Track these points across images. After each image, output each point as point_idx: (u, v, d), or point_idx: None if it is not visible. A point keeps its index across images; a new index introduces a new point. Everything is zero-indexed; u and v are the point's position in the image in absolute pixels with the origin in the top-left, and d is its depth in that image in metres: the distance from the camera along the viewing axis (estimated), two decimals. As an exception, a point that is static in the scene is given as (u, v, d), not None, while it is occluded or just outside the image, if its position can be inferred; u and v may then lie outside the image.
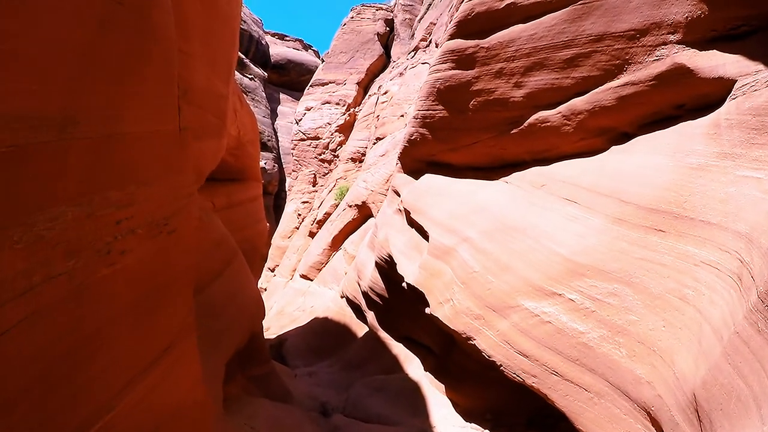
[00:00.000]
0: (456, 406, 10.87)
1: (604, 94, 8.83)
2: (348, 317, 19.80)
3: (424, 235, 11.85)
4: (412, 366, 13.50)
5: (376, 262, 15.37)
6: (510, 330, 7.73)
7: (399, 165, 15.41)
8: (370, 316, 16.81)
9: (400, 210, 14.09)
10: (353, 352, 16.93)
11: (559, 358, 7.05)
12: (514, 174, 10.68)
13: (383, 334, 15.70)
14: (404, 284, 11.90)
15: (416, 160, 14.39)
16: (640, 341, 6.11)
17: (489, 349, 8.06)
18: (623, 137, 8.81)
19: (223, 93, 10.17)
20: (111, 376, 3.12)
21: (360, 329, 18.52)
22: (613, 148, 8.83)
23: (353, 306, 19.55)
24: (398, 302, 14.36)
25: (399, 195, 14.69)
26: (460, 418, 10.40)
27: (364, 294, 17.06)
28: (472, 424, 10.02)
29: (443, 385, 11.43)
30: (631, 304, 6.46)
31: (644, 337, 6.09)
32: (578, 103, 9.27)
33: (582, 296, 7.07)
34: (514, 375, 7.64)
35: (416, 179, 14.07)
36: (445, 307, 9.29)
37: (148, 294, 3.54)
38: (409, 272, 11.52)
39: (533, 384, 7.36)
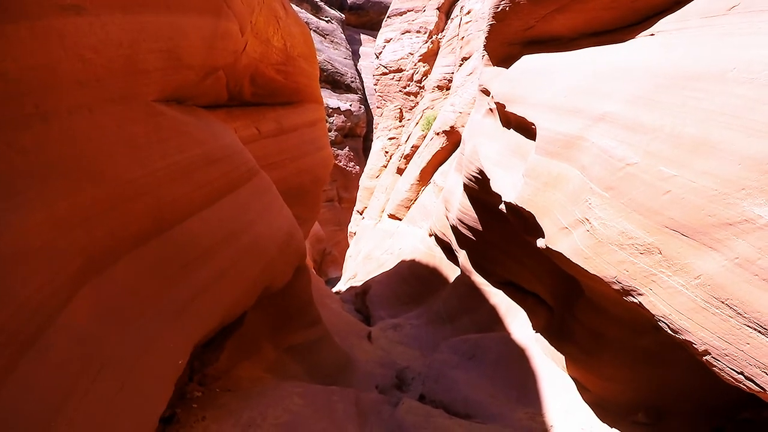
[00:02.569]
0: (584, 390, 6.72)
1: None
2: (437, 259, 15.93)
3: (528, 131, 7.51)
4: (517, 322, 9.44)
5: (464, 185, 11.21)
6: (728, 274, 3.40)
7: (485, 57, 10.91)
8: (462, 256, 12.82)
9: (491, 110, 9.75)
10: (442, 302, 13.12)
11: None
12: (661, 21, 6.01)
13: (478, 279, 11.69)
14: (501, 207, 7.74)
15: (508, 43, 9.85)
16: None
17: (675, 315, 3.77)
18: None
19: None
20: None
21: (452, 272, 14.62)
22: None
23: (443, 245, 15.63)
24: (495, 236, 10.21)
25: (488, 94, 10.30)
26: (593, 414, 6.26)
27: (453, 229, 13.03)
28: (615, 430, 5.86)
29: (563, 356, 7.29)
30: None
31: None
32: None
33: None
34: (738, 376, 3.36)
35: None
36: (574, 234, 5.05)
37: None
38: (508, 187, 7.31)
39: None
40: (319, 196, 13.75)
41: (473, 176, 9.89)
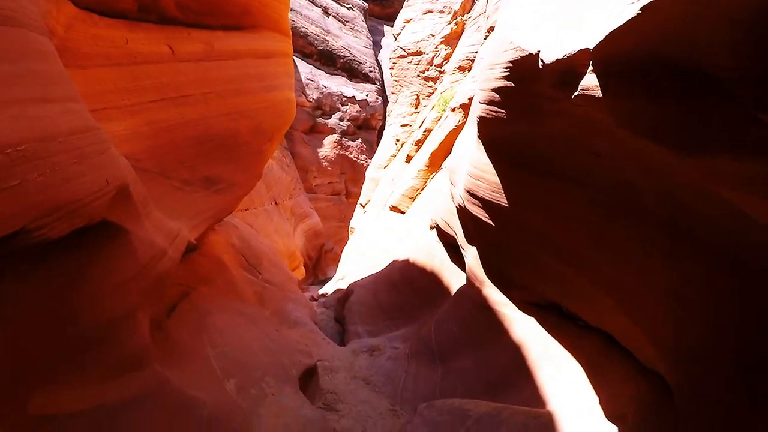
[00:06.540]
0: None
1: None
2: (439, 261, 10.71)
3: None
4: (554, 380, 4.29)
5: (479, 121, 6.05)
6: None
7: None
8: (470, 256, 7.68)
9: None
10: (434, 326, 7.91)
11: None
12: None
13: (494, 295, 6.51)
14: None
15: None
16: None
17: None
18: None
19: None
20: None
21: (457, 281, 9.41)
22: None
23: (447, 241, 10.42)
24: (532, 211, 5.08)
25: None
26: None
27: (460, 211, 7.90)
28: None
29: None
30: None
31: None
32: None
33: None
34: None
35: None
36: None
37: None
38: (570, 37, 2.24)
39: None
40: (261, 154, 8.74)
41: (497, 87, 4.74)
